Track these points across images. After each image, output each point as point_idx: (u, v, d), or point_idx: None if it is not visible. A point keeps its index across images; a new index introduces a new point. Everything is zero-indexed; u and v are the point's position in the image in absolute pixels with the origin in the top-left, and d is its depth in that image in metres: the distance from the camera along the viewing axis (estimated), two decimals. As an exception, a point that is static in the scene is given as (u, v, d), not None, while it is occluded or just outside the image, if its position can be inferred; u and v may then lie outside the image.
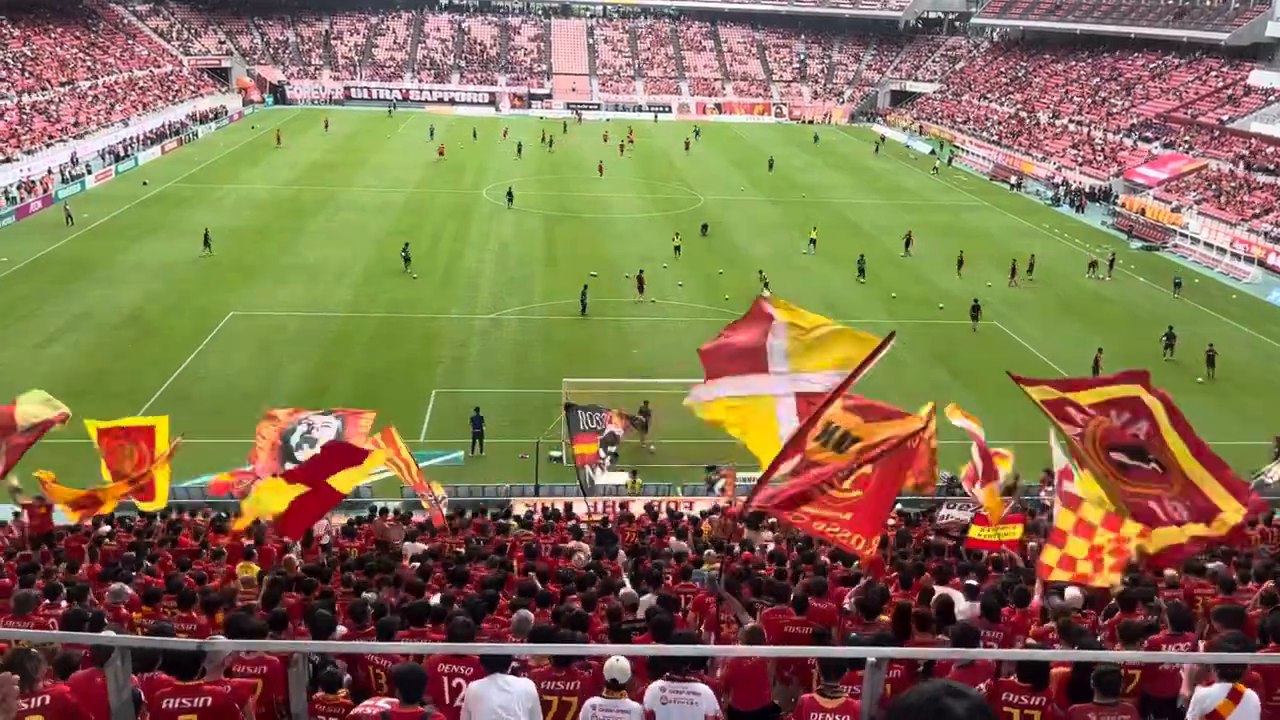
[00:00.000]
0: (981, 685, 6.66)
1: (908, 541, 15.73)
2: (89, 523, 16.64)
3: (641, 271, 40.94)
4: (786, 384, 8.11)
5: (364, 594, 10.67)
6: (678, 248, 45.64)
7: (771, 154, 74.63)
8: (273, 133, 74.94)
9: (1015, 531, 13.60)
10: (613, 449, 22.40)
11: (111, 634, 7.73)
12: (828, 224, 54.10)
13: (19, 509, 16.05)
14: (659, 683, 6.76)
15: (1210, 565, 12.02)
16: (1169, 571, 11.37)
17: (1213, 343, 34.74)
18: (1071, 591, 10.05)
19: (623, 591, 10.35)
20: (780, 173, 69.52)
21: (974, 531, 12.01)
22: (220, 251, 44.69)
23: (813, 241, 48.35)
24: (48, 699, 5.69)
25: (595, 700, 6.49)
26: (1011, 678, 6.72)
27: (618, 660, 6.44)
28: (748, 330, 8.51)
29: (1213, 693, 6.32)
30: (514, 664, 6.60)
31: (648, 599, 10.12)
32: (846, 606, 9.69)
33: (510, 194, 55.94)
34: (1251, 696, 6.28)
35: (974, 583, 10.84)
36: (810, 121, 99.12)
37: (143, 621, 9.77)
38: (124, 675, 4.95)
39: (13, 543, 16.07)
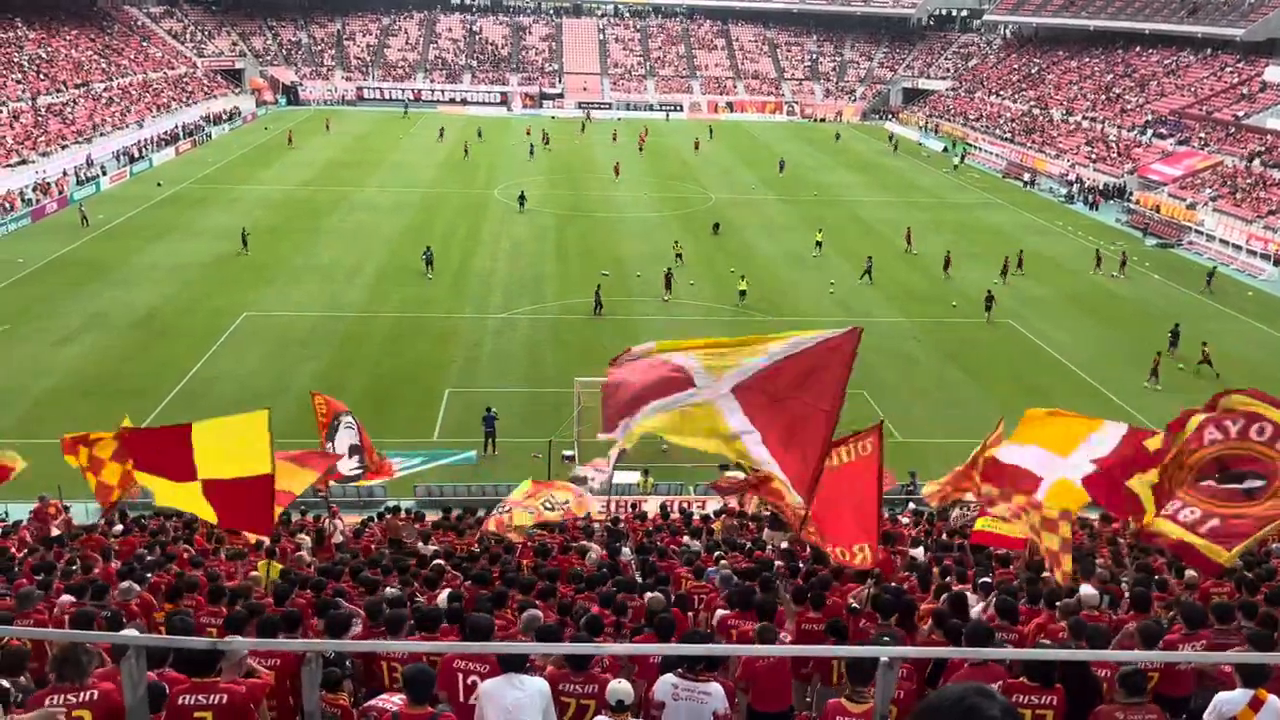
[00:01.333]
0: (994, 685, 6.63)
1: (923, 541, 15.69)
2: (103, 522, 16.77)
3: (669, 270, 41.06)
4: (716, 388, 7.84)
5: (385, 590, 10.70)
6: (679, 255, 44.78)
7: (784, 154, 74.45)
8: (284, 134, 75.28)
9: (1021, 526, 13.42)
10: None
11: (132, 632, 7.78)
12: (839, 222, 54.02)
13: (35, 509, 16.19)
14: (670, 678, 6.77)
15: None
16: (1189, 572, 11.29)
17: (1206, 341, 34.51)
18: (1086, 589, 10.00)
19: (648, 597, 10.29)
20: (792, 172, 69.38)
21: (980, 524, 11.85)
22: (234, 252, 44.91)
23: (819, 244, 47.74)
24: (96, 694, 5.74)
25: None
26: (1021, 679, 6.69)
27: (619, 683, 6.44)
28: (652, 366, 8.21)
29: (1233, 698, 6.17)
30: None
31: (655, 596, 10.12)
32: (854, 605, 9.66)
33: (522, 197, 55.48)
34: (1275, 703, 6.07)
35: (988, 580, 10.81)
36: (822, 120, 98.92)
37: (163, 620, 9.80)
38: (139, 673, 4.98)
39: (30, 542, 16.20)
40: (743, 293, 39.60)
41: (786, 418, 7.53)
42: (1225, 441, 7.26)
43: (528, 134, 78.10)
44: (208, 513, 8.87)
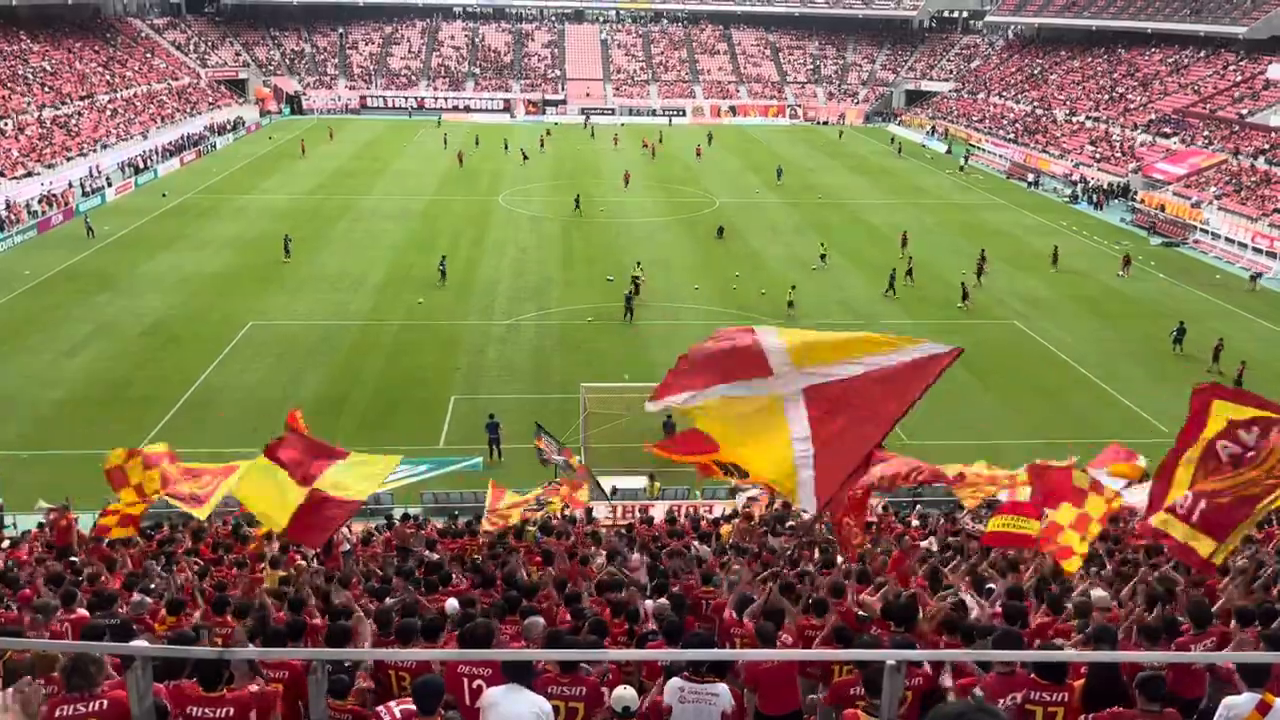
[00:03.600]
0: (1018, 695, 6.57)
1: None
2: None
3: (630, 292, 39.22)
4: (790, 382, 7.29)
5: (387, 598, 10.70)
6: (636, 281, 39.97)
7: (785, 159, 74.51)
8: (292, 142, 75.60)
9: (1035, 526, 13.36)
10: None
11: (141, 644, 7.78)
12: (843, 225, 53.99)
13: (44, 520, 16.20)
14: (677, 681, 6.78)
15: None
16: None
17: (1222, 337, 34.63)
18: (1097, 592, 9.97)
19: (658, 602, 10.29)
20: (796, 175, 69.38)
21: (993, 524, 11.78)
22: (240, 261, 45.05)
23: (823, 257, 46.53)
24: (105, 703, 5.77)
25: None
26: (1032, 677, 6.66)
27: (624, 690, 6.44)
28: (736, 348, 7.64)
29: (1240, 702, 6.11)
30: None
31: (662, 603, 10.12)
32: (861, 613, 9.64)
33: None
34: None
35: (994, 587, 10.75)
36: (825, 122, 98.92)
37: (166, 633, 9.81)
38: (145, 684, 4.99)
39: (39, 552, 16.22)
40: (791, 303, 38.56)
41: (842, 431, 7.09)
42: (1243, 450, 7.14)
43: (548, 135, 78.08)
44: (281, 519, 9.42)
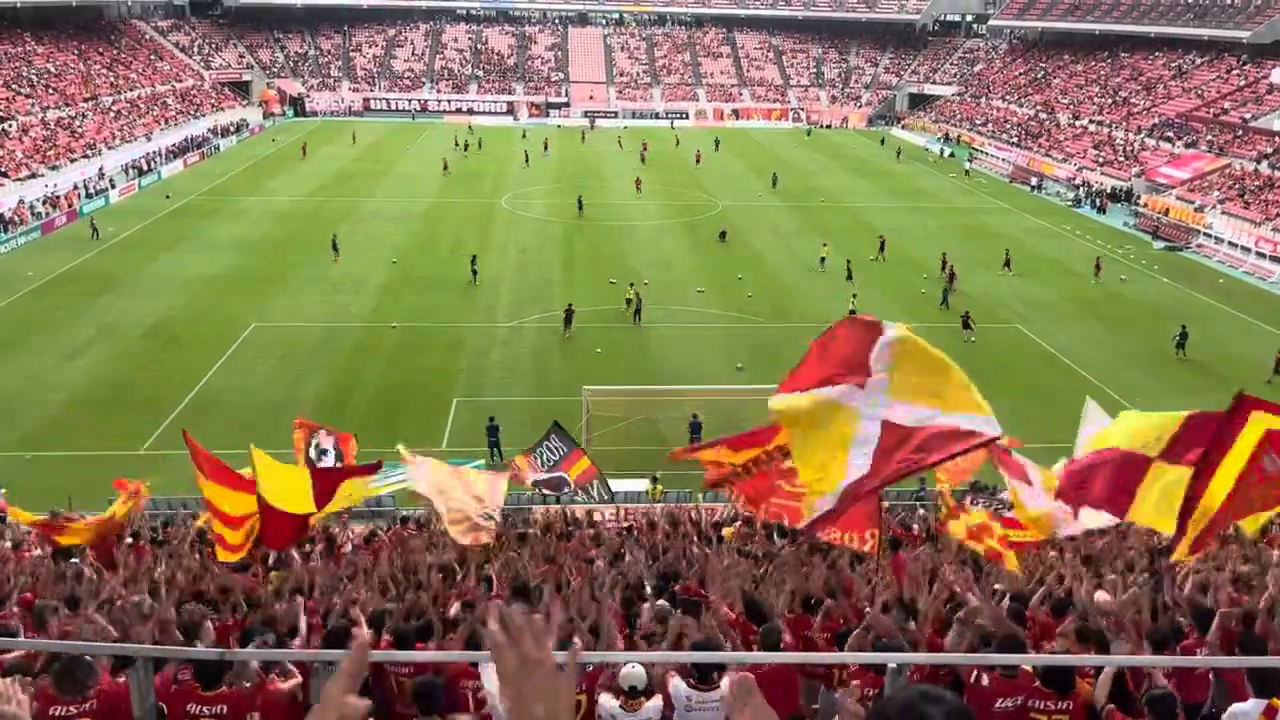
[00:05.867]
0: (1019, 699, 6.54)
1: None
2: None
3: (571, 306, 37.88)
4: (873, 409, 7.05)
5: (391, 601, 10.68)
6: (629, 300, 38.50)
7: (786, 162, 74.52)
8: (293, 144, 75.63)
9: (1033, 534, 13.40)
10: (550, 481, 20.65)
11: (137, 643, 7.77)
12: (845, 228, 53.94)
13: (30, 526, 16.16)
14: (684, 689, 6.73)
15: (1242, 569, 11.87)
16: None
17: (1185, 324, 35.47)
18: (1101, 596, 9.94)
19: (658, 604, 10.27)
20: (798, 178, 69.37)
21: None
22: (243, 263, 45.09)
23: (823, 260, 46.27)
24: (95, 704, 5.77)
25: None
26: (1035, 684, 6.63)
27: (633, 668, 6.41)
28: (853, 335, 7.37)
29: (1246, 709, 6.06)
30: None
31: (661, 604, 10.09)
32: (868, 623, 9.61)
33: (580, 202, 56.80)
34: None
35: (999, 586, 10.74)
36: (828, 126, 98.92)
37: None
38: (147, 683, 4.98)
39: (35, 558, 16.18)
40: (852, 311, 38.32)
41: (880, 468, 6.93)
42: None
43: (545, 147, 78.12)
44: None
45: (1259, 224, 51.97)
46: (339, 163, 71.14)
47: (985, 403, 6.87)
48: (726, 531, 18.32)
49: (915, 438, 6.83)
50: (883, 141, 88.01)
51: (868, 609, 9.75)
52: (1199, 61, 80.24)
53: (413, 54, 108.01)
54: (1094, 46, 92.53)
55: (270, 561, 13.96)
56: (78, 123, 69.59)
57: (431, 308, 39.70)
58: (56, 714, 5.78)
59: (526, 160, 72.81)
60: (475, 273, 43.00)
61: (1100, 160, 70.47)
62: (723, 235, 51.26)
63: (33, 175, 58.20)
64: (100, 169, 63.59)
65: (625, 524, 20.74)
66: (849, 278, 43.35)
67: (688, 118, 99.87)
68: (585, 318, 38.22)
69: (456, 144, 78.69)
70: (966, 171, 74.91)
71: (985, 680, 6.82)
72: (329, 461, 15.49)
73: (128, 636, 7.63)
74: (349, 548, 16.71)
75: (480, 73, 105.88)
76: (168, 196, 59.08)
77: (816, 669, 8.35)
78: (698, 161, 74.96)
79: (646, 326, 37.65)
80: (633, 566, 13.61)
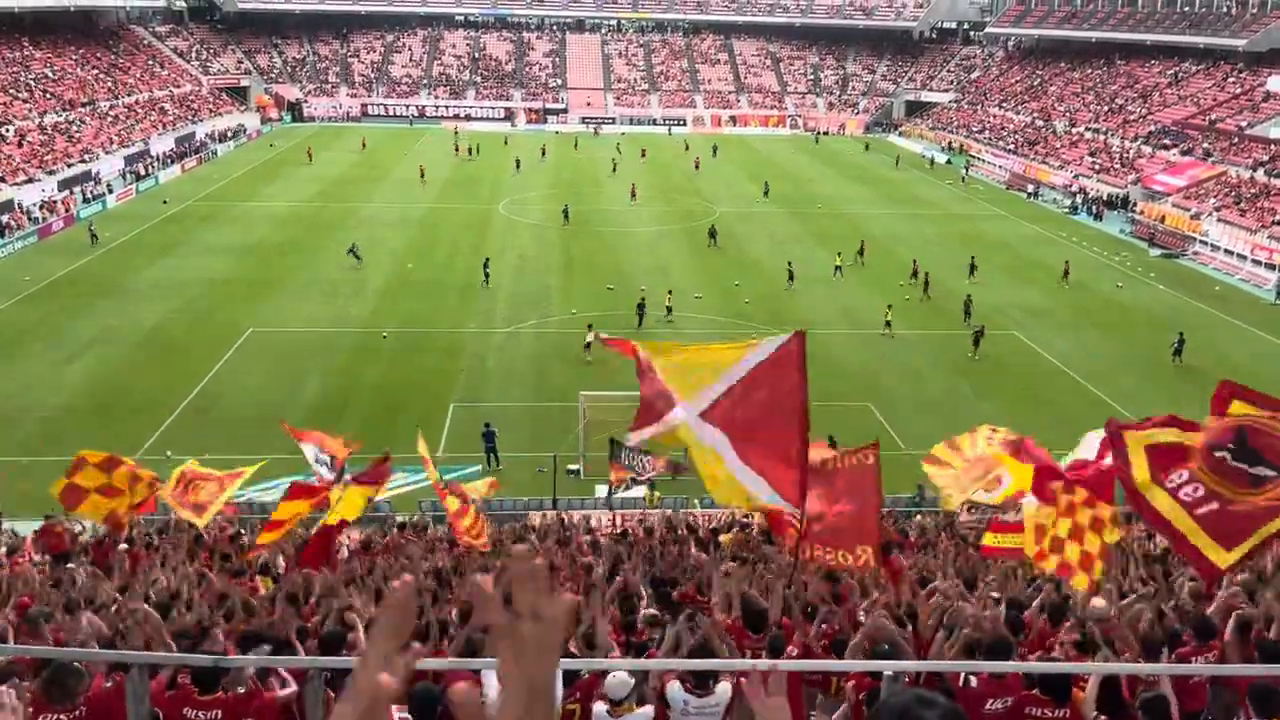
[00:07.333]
0: (1009, 699, 6.56)
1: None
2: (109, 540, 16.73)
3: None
4: (689, 411, 8.94)
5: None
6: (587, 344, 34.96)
7: (787, 167, 74.69)
8: (291, 149, 75.62)
9: (1023, 539, 13.42)
10: (643, 481, 22.62)
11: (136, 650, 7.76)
12: (843, 236, 53.99)
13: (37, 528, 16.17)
14: (681, 694, 6.74)
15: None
16: (1190, 583, 11.20)
17: (1182, 330, 35.59)
18: (1097, 602, 9.92)
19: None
20: (795, 184, 69.47)
21: (988, 539, 11.84)
22: (240, 268, 45.06)
23: (839, 268, 45.78)
24: (84, 710, 5.76)
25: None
26: (1034, 690, 6.63)
27: (615, 677, 6.40)
28: (649, 378, 9.68)
29: None
30: None
31: (648, 613, 10.08)
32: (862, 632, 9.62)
33: (566, 212, 55.76)
34: None
35: (996, 594, 10.74)
36: (825, 133, 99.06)
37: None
38: (142, 689, 4.98)
39: (35, 562, 16.16)
40: (888, 323, 37.89)
41: (756, 431, 8.28)
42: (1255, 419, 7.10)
43: (542, 153, 78.20)
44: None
45: (1255, 231, 52.08)
46: (337, 168, 71.16)
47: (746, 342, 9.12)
48: (724, 538, 18.31)
49: (736, 406, 8.66)
50: (866, 147, 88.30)
51: (861, 615, 9.76)
52: (1195, 69, 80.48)
53: (411, 60, 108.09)
54: (1090, 54, 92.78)
55: (261, 563, 13.94)
56: (75, 127, 69.55)
57: (429, 313, 39.70)
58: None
59: (518, 166, 72.78)
60: (488, 275, 43.11)
61: (1096, 167, 70.62)
62: (712, 234, 51.24)
63: (30, 180, 58.14)
64: (97, 173, 63.53)
65: (620, 530, 20.73)
66: (790, 279, 43.73)
67: (685, 124, 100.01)
68: (580, 323, 38.22)
69: (457, 150, 78.73)
70: (963, 179, 75.04)
71: (974, 682, 6.85)
72: (325, 471, 15.45)
73: (124, 640, 7.63)
74: (345, 553, 16.68)
75: (478, 79, 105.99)
76: (165, 201, 59.04)
77: (814, 675, 8.35)
78: (696, 168, 75.07)
79: (646, 331, 37.66)
80: (630, 574, 13.60)
